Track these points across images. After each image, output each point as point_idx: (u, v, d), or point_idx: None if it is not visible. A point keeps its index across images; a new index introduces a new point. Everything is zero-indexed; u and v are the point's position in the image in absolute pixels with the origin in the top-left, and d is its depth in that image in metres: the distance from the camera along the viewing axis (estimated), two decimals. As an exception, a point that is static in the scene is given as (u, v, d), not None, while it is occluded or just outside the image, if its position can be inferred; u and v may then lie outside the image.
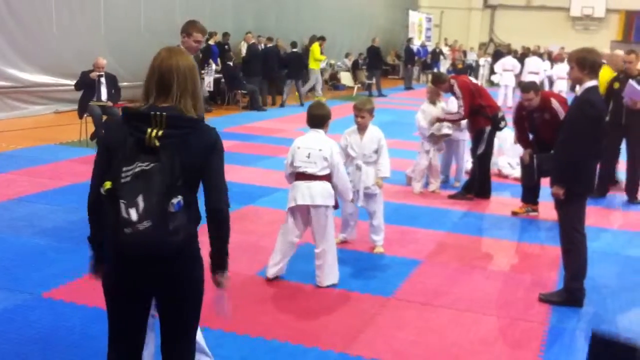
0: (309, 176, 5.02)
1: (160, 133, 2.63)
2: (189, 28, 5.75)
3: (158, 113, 2.65)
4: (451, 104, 8.68)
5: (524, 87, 7.19)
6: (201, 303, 2.92)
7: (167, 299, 2.85)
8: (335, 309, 4.80)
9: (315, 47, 18.93)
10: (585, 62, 4.76)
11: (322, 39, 19.49)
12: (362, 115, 5.88)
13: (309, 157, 5.02)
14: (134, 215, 2.53)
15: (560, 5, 32.70)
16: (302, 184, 5.04)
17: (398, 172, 9.05)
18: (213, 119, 13.81)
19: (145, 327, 2.95)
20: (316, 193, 5.01)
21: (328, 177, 5.08)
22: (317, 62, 19.08)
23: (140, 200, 2.54)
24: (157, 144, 2.62)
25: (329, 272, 5.16)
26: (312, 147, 5.04)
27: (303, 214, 5.13)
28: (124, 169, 2.59)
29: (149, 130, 2.63)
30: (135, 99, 15.18)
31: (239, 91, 16.59)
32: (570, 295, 4.95)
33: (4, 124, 11.87)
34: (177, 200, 2.59)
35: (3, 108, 12.60)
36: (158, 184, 2.57)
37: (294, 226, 5.16)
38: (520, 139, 7.38)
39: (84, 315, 4.44)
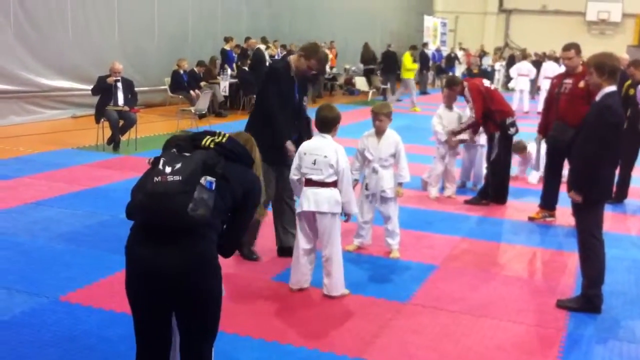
0: (316, 183, 4.96)
1: (217, 140, 2.92)
2: (312, 54, 5.56)
3: (222, 132, 3.03)
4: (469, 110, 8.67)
5: (565, 45, 7.18)
6: (218, 314, 2.96)
7: (183, 307, 2.87)
8: (350, 313, 4.79)
9: (407, 56, 18.94)
10: (604, 68, 4.73)
11: (413, 47, 19.45)
12: (380, 119, 5.90)
13: (314, 163, 4.94)
14: (168, 169, 2.74)
15: (576, 10, 32.54)
16: (309, 190, 4.98)
17: (414, 177, 9.01)
18: (228, 124, 13.85)
19: (168, 327, 2.97)
20: (322, 200, 4.93)
21: (336, 184, 4.99)
22: (409, 71, 19.14)
23: (178, 164, 2.76)
24: (212, 146, 2.90)
25: (336, 282, 5.03)
26: (318, 153, 4.94)
27: (310, 220, 5.05)
28: (173, 150, 2.87)
29: (209, 137, 2.93)
30: (150, 104, 15.34)
31: (254, 96, 16.63)
32: (588, 301, 4.91)
33: (21, 129, 11.98)
34: (211, 180, 2.77)
35: (20, 113, 12.72)
36: (198, 159, 2.79)
37: (304, 232, 5.09)
38: (542, 123, 7.47)
39: (100, 318, 4.47)
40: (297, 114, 5.76)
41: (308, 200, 4.95)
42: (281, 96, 5.57)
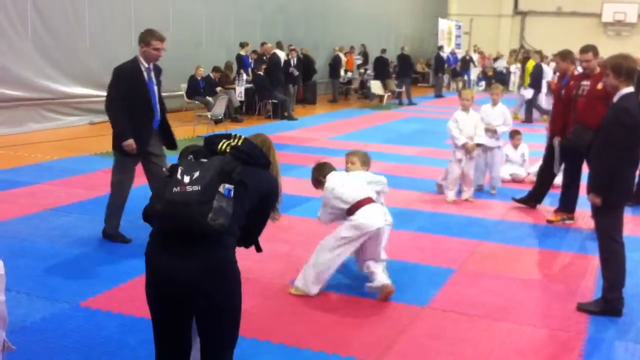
0: (363, 202, 5.04)
1: (233, 143, 2.93)
2: (147, 37, 5.98)
3: (238, 134, 3.02)
4: (484, 112, 8.65)
5: (583, 47, 7.10)
6: (237, 319, 2.97)
7: (203, 313, 2.88)
8: (369, 318, 4.79)
9: (531, 64, 18.74)
10: (621, 69, 4.71)
11: (538, 53, 19.24)
12: (353, 161, 5.65)
13: (357, 187, 5.14)
14: (186, 179, 2.75)
15: (591, 11, 32.38)
16: (359, 213, 5.01)
17: (429, 181, 9.01)
18: (244, 129, 13.90)
19: (188, 333, 3.00)
20: (377, 216, 5.05)
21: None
22: None
23: (196, 172, 2.77)
24: (228, 150, 2.90)
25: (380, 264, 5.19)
26: (356, 179, 5.24)
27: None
28: (190, 157, 2.89)
29: (225, 140, 2.93)
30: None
31: (270, 101, 16.69)
32: (609, 305, 4.87)
33: (39, 135, 12.09)
34: (230, 187, 2.77)
35: (38, 119, 12.84)
36: (215, 166, 2.79)
37: (349, 249, 5.10)
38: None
39: (120, 323, 4.49)
40: (158, 104, 6.22)
41: (365, 219, 4.99)
42: (131, 94, 5.98)
